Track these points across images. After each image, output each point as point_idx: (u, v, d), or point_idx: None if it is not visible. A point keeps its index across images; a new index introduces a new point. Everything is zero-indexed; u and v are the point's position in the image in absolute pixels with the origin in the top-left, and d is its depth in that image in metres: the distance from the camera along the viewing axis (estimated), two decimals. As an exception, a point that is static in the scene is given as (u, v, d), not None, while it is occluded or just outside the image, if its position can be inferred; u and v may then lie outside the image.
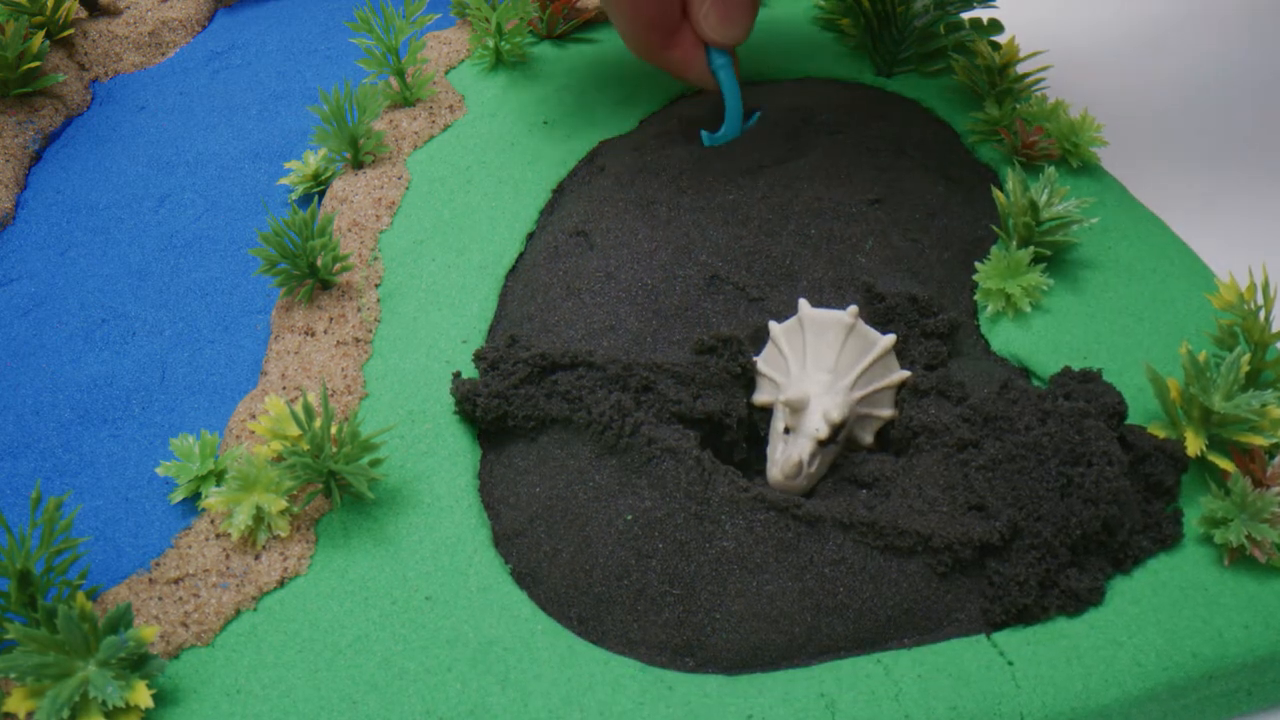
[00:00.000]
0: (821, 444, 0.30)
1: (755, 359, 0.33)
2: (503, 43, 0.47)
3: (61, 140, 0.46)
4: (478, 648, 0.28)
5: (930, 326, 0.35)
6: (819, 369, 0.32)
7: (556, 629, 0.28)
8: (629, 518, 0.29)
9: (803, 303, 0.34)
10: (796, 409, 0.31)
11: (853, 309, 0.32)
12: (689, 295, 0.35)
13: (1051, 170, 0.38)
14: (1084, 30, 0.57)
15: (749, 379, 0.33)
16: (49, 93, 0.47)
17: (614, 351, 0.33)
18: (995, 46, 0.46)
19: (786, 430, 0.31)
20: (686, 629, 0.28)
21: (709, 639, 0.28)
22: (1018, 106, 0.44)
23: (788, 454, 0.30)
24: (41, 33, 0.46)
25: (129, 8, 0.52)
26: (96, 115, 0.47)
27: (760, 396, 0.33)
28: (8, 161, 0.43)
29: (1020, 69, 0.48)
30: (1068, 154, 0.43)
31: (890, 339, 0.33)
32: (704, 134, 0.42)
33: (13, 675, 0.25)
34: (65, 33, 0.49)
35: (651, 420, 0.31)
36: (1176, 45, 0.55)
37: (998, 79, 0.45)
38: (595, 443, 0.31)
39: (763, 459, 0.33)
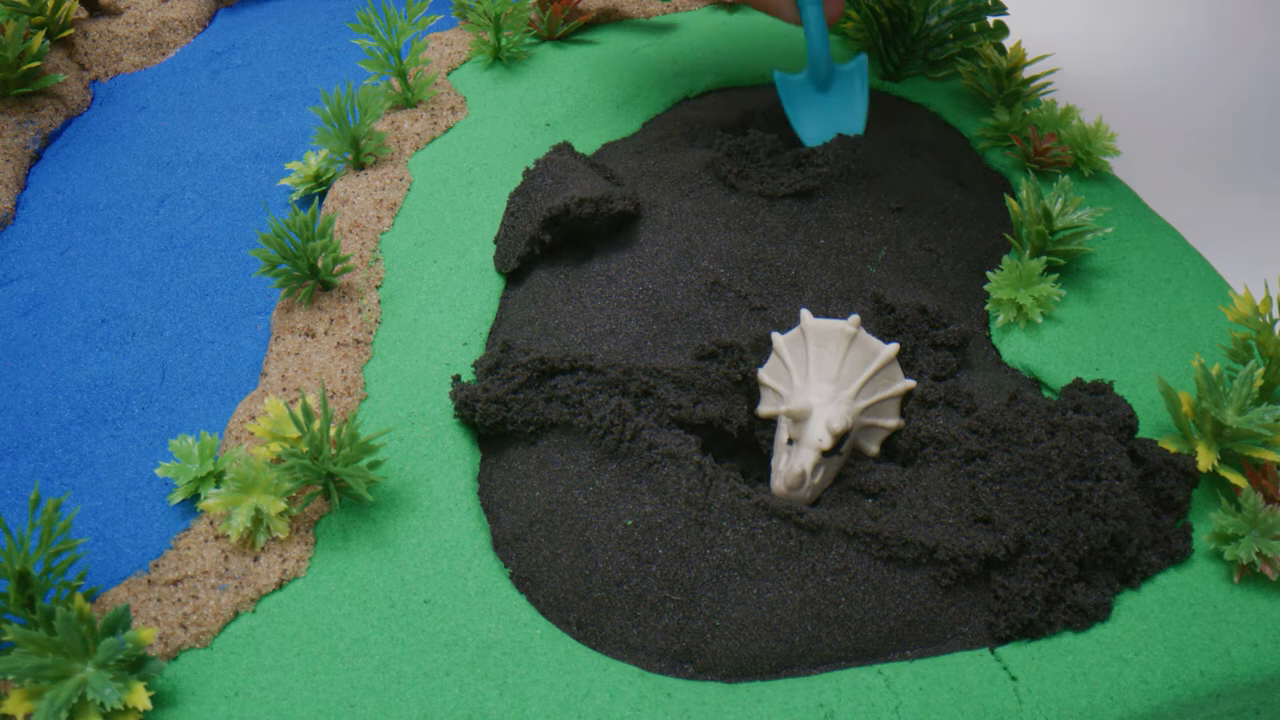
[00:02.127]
0: (825, 454, 0.32)
1: (758, 370, 0.35)
2: (501, 39, 0.50)
3: (61, 140, 0.48)
4: (476, 651, 0.29)
5: (940, 338, 0.36)
6: (821, 379, 0.33)
7: (556, 633, 0.30)
8: (629, 523, 0.31)
9: (804, 313, 0.35)
10: (799, 420, 0.32)
11: (854, 318, 0.34)
12: (690, 301, 0.37)
13: (1066, 179, 0.39)
14: (1091, 35, 0.58)
15: (750, 386, 0.34)
16: (49, 93, 0.49)
17: (613, 356, 0.35)
18: (1001, 50, 0.48)
19: (790, 441, 0.32)
20: (686, 635, 0.30)
21: (708, 646, 0.29)
22: (1028, 112, 0.45)
23: (791, 465, 0.31)
24: (41, 33, 0.48)
25: (129, 8, 0.54)
26: (96, 115, 0.49)
27: (764, 408, 0.34)
28: (8, 161, 0.45)
29: (1026, 73, 0.49)
30: (1080, 162, 0.44)
31: (893, 348, 0.34)
32: (777, 74, 0.40)
33: (11, 677, 0.26)
34: (65, 33, 0.52)
35: (652, 425, 0.32)
36: (1186, 50, 0.56)
37: (1005, 82, 0.46)
38: (595, 447, 0.32)
39: (763, 466, 0.34)
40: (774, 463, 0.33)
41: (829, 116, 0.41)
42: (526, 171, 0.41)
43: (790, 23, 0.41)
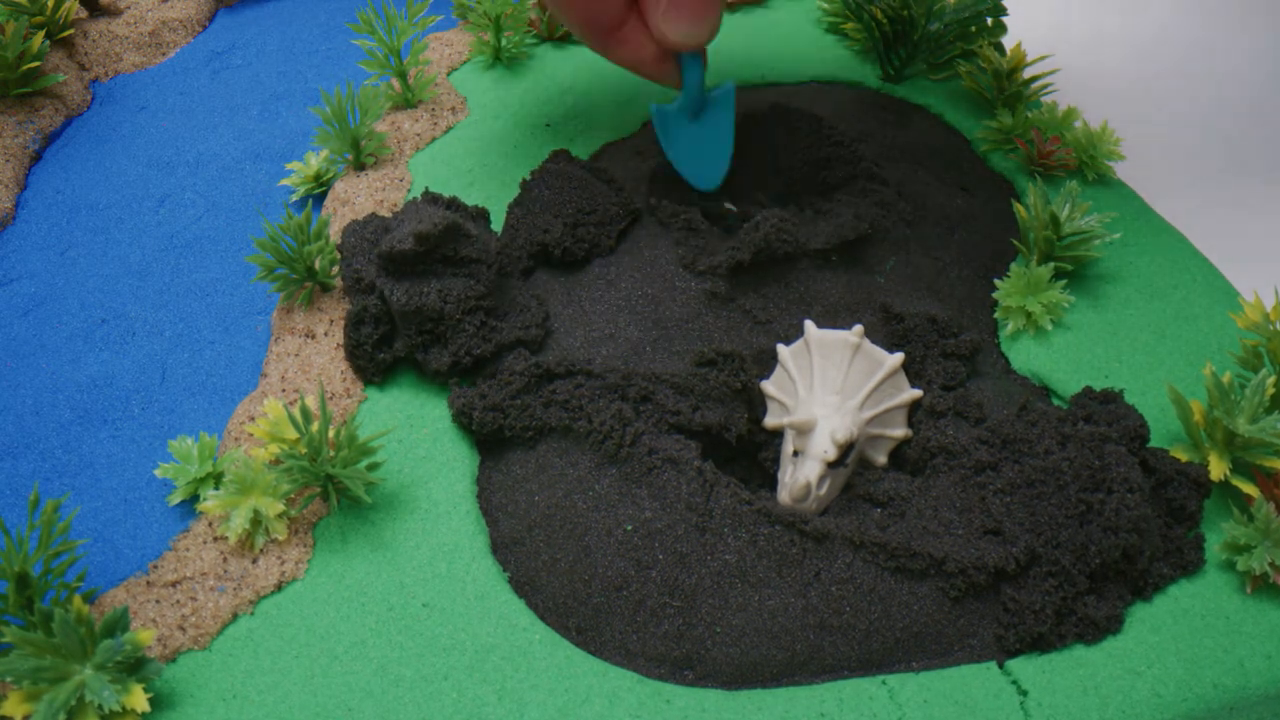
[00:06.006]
0: (830, 466, 0.33)
1: (764, 381, 0.36)
2: (501, 39, 0.51)
3: (61, 140, 0.50)
4: (474, 656, 0.30)
5: (950, 348, 0.37)
6: (827, 390, 0.34)
7: (554, 638, 0.31)
8: (629, 528, 0.32)
9: (809, 324, 0.36)
10: (804, 431, 0.33)
11: (858, 328, 0.35)
12: (690, 307, 0.38)
13: (1074, 184, 0.41)
14: (1091, 35, 0.59)
15: (749, 395, 0.36)
16: (49, 93, 0.51)
17: (612, 361, 0.36)
18: (1000, 50, 0.49)
19: (795, 453, 0.33)
20: (686, 642, 0.31)
21: (709, 652, 0.30)
22: (1030, 114, 0.47)
23: (796, 477, 0.32)
24: (41, 33, 0.50)
25: (129, 8, 0.57)
26: (96, 115, 0.51)
27: (769, 419, 0.36)
28: (8, 161, 0.47)
29: (1026, 73, 0.50)
30: (1084, 165, 0.45)
31: (898, 357, 0.35)
32: (653, 107, 0.41)
33: (9, 678, 0.28)
34: (65, 33, 0.54)
35: (652, 430, 0.33)
36: (1187, 50, 0.57)
37: (1005, 84, 0.48)
38: (595, 452, 0.33)
39: (763, 475, 0.35)
40: (780, 475, 0.34)
41: (701, 145, 0.43)
42: (524, 182, 0.43)
43: (667, 85, 0.42)
